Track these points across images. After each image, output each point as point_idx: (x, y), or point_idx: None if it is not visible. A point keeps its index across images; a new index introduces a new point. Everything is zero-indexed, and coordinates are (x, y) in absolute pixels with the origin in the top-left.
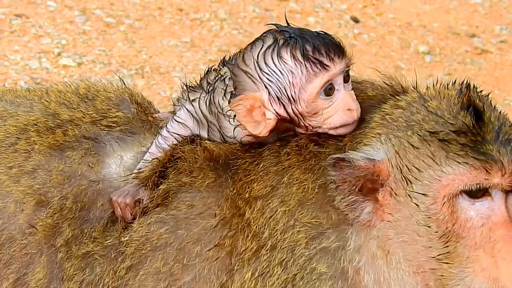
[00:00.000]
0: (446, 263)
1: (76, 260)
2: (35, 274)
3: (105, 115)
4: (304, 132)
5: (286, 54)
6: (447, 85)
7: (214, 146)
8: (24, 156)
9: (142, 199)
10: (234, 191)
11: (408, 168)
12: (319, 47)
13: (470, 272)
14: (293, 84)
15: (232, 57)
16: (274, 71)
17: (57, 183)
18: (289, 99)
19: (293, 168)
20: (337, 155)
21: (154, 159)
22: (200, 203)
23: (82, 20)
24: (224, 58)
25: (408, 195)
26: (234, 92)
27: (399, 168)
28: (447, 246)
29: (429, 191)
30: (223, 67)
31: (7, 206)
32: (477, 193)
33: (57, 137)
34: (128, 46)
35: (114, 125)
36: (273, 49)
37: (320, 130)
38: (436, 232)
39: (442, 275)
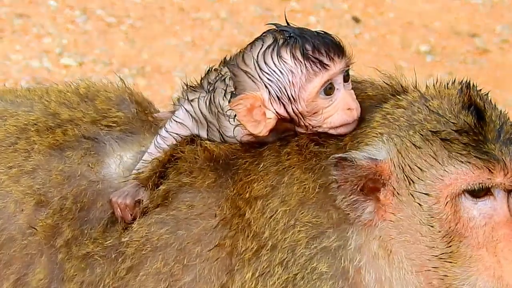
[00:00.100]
0: (450, 262)
1: (77, 260)
2: (35, 275)
3: (105, 115)
4: (304, 131)
5: (286, 54)
6: (447, 84)
7: (214, 146)
8: (24, 156)
9: (142, 200)
10: (235, 191)
11: (410, 168)
12: (319, 46)
13: (474, 272)
14: (293, 83)
15: (233, 57)
16: (274, 71)
17: (57, 183)
18: (289, 98)
19: (293, 167)
20: (339, 155)
21: (153, 159)
22: (200, 203)
23: (83, 20)
24: (224, 58)
25: (411, 194)
26: (234, 92)
27: (401, 168)
28: (450, 246)
29: (431, 190)
30: (223, 67)
31: (7, 206)
32: (480, 192)
33: (57, 137)
34: (129, 46)
35: (114, 125)
36: (273, 49)
37: (320, 130)
38: (439, 231)
39: (445, 275)
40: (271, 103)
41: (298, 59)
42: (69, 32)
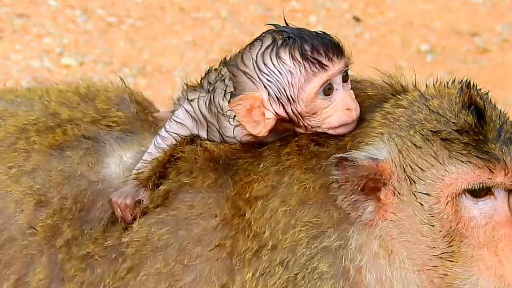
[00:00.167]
0: (450, 261)
1: (77, 261)
2: (36, 275)
3: (105, 114)
4: (303, 132)
5: (284, 54)
6: (447, 83)
7: (214, 146)
8: (24, 156)
9: (142, 200)
10: (235, 192)
11: (411, 168)
12: (318, 47)
13: (475, 271)
14: (291, 84)
15: (232, 58)
16: (273, 71)
17: (56, 183)
18: (288, 99)
19: (293, 168)
20: (340, 155)
21: (153, 159)
22: (200, 203)
23: (84, 20)
24: (224, 58)
25: (412, 194)
26: (234, 93)
27: (402, 168)
28: (451, 246)
29: (432, 190)
30: (223, 67)
31: (7, 206)
32: (480, 192)
33: (57, 136)
34: (129, 46)
35: (114, 124)
36: (272, 49)
37: (319, 130)
38: (440, 231)
39: (445, 274)
40: (270, 104)
41: (297, 59)
42: (69, 31)
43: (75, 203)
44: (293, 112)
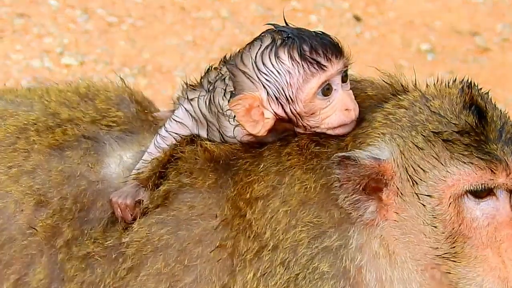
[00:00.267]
0: (453, 261)
1: (77, 261)
2: (36, 275)
3: (105, 114)
4: (303, 132)
5: (283, 54)
6: (448, 83)
7: (214, 146)
8: (23, 156)
9: (142, 200)
10: (235, 192)
11: (413, 169)
12: (317, 47)
13: (480, 272)
14: (290, 84)
15: (232, 57)
16: (271, 71)
17: (56, 183)
18: (287, 99)
19: (294, 168)
20: (343, 154)
21: (153, 159)
22: (201, 204)
23: (84, 19)
24: (224, 57)
25: (415, 195)
26: (233, 92)
27: (404, 168)
28: (454, 247)
29: (434, 192)
30: (223, 66)
31: (7, 206)
32: (482, 193)
33: (56, 136)
34: (130, 45)
35: (113, 124)
36: (271, 49)
37: (318, 130)
38: (443, 232)
39: (448, 272)
40: (269, 103)
41: (296, 59)
42: (70, 31)
43: (75, 203)
44: (292, 112)
